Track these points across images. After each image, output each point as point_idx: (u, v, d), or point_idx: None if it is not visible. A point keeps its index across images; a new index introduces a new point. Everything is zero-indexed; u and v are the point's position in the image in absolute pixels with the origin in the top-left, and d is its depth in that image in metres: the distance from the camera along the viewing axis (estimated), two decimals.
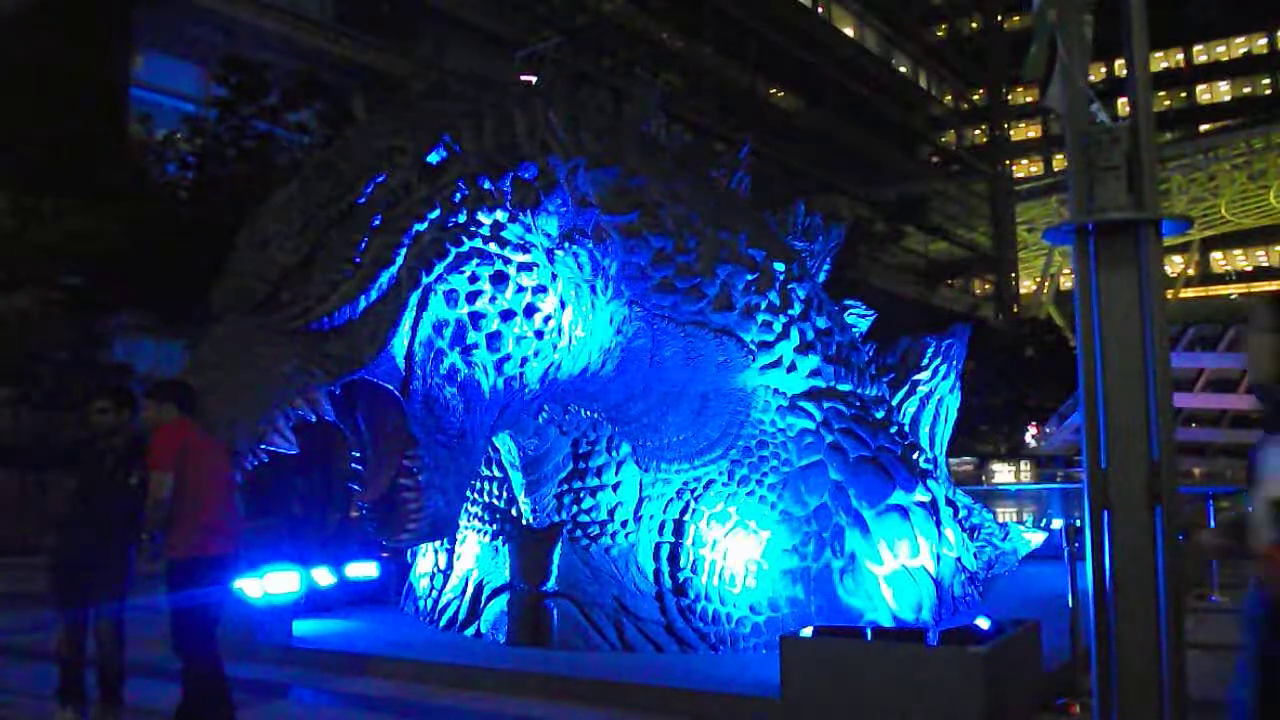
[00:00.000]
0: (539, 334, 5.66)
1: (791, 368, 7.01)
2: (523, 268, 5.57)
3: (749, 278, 6.86)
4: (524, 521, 6.96)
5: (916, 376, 8.58)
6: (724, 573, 6.63)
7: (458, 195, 5.43)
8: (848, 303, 8.64)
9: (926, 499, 7.22)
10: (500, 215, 5.54)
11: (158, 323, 16.58)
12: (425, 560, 7.93)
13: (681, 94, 35.88)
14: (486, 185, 5.55)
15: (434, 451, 5.39)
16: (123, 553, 5.31)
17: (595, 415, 6.77)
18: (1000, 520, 9.53)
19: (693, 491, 6.72)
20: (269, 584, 7.50)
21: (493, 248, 5.47)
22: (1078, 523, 5.26)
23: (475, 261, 5.41)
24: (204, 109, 18.17)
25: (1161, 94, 64.16)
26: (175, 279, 13.80)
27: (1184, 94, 68.57)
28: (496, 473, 7.23)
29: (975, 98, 66.50)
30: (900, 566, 6.82)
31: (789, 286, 7.15)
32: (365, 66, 25.81)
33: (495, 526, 7.20)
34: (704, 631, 6.55)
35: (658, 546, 6.68)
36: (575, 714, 5.68)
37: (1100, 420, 4.21)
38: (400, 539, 5.49)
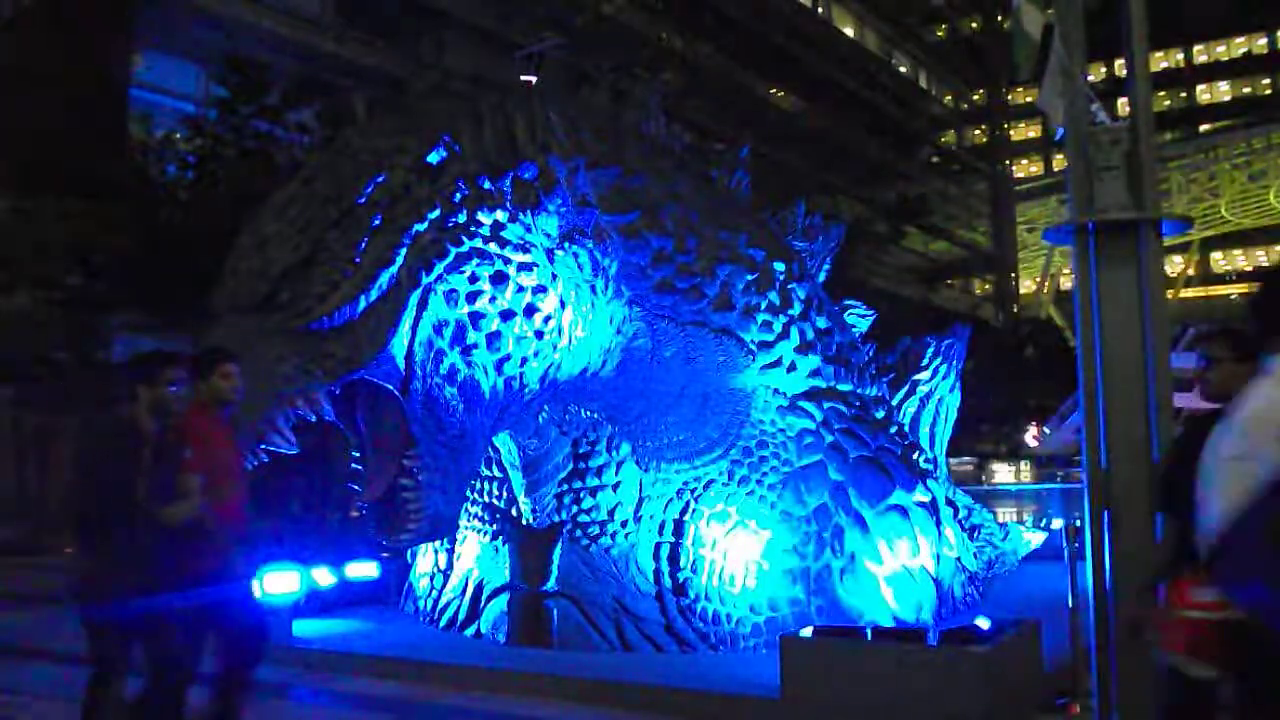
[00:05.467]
0: (539, 334, 5.66)
1: (791, 368, 7.01)
2: (523, 268, 5.57)
3: (749, 278, 6.86)
4: (524, 521, 6.96)
5: (916, 376, 8.57)
6: (724, 573, 6.63)
7: (458, 195, 5.43)
8: (848, 303, 8.63)
9: (926, 499, 7.22)
10: (500, 215, 5.54)
11: (158, 323, 16.57)
12: (425, 560, 7.92)
13: (681, 94, 35.87)
14: (486, 185, 5.55)
15: (434, 451, 5.39)
16: None
17: (595, 415, 6.76)
18: (1000, 520, 9.53)
19: (693, 491, 6.72)
20: (269, 584, 7.50)
21: (493, 248, 5.47)
22: (1078, 523, 5.25)
23: (475, 261, 5.41)
24: (204, 109, 18.18)
25: (1161, 94, 64.13)
26: (175, 279, 13.80)
27: (1184, 94, 68.56)
28: (496, 473, 7.23)
29: (975, 98, 66.49)
30: (900, 566, 6.82)
31: (789, 286, 7.15)
32: (365, 66, 25.82)
33: (495, 526, 7.20)
34: (704, 631, 6.55)
35: (658, 546, 6.68)
36: (575, 714, 5.68)
37: (1100, 420, 4.21)
38: (400, 539, 5.49)
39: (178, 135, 17.24)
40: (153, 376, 4.17)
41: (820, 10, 48.44)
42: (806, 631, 5.65)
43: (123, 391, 4.22)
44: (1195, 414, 3.62)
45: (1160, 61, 64.80)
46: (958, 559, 7.59)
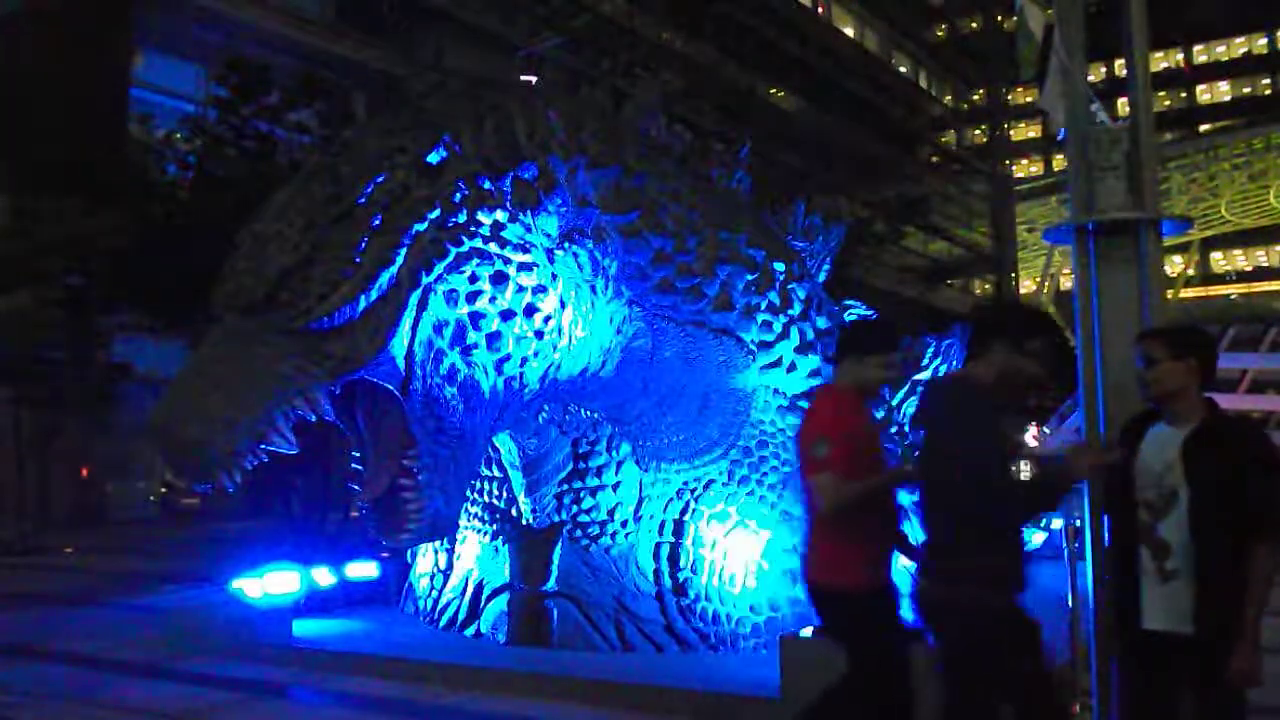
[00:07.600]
0: (539, 334, 5.66)
1: (791, 368, 7.01)
2: (523, 268, 5.57)
3: (749, 278, 6.86)
4: (524, 521, 6.96)
5: (916, 376, 8.57)
6: (724, 573, 6.63)
7: (458, 195, 5.43)
8: (848, 303, 8.64)
9: None
10: (500, 215, 5.54)
11: (158, 323, 16.59)
12: (425, 560, 7.93)
13: (681, 94, 35.86)
14: (486, 185, 5.55)
15: (434, 451, 5.38)
16: None
17: (595, 415, 6.77)
18: None
19: (693, 491, 6.72)
20: (269, 584, 7.50)
21: (493, 248, 5.47)
22: (1078, 523, 5.24)
23: (475, 261, 5.41)
24: (204, 109, 18.18)
25: (1161, 94, 64.11)
26: (175, 279, 13.80)
27: (1184, 94, 68.56)
28: (496, 473, 7.23)
29: (975, 98, 66.49)
30: (900, 567, 6.81)
31: (789, 286, 7.15)
32: (365, 66, 25.79)
33: (495, 526, 7.20)
34: (704, 631, 6.55)
35: (658, 546, 6.68)
36: (575, 714, 5.68)
37: (1100, 420, 4.21)
38: (400, 539, 5.48)
39: (178, 135, 17.24)
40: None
41: (820, 10, 48.44)
42: (806, 631, 5.65)
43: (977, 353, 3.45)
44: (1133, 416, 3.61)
45: (1160, 61, 64.79)
46: None
